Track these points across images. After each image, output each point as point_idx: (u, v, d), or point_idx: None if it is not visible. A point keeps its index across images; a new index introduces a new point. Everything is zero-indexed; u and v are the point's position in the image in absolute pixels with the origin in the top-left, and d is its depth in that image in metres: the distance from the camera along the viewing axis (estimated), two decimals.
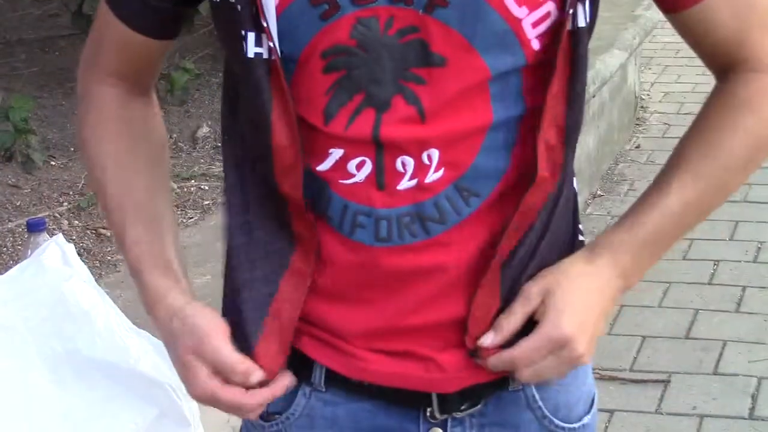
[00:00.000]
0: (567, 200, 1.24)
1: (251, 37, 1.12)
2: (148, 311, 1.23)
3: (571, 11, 1.11)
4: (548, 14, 1.12)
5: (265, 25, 1.10)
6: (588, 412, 1.31)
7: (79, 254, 2.04)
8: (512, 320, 1.18)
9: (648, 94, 5.77)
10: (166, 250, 1.24)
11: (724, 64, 1.22)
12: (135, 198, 1.26)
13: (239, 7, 1.12)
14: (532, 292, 1.18)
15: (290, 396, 1.27)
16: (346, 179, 1.16)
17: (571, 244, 1.24)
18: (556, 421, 1.27)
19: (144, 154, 1.28)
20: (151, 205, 1.27)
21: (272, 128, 1.14)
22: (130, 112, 1.29)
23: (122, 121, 1.28)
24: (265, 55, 1.12)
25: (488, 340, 1.18)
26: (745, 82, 1.20)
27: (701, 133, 1.21)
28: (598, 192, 4.73)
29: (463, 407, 1.24)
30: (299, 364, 1.23)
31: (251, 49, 1.12)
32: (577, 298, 1.17)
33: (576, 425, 1.29)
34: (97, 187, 1.28)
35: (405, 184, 1.15)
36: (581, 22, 1.12)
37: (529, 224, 1.17)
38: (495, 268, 1.17)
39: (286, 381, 1.20)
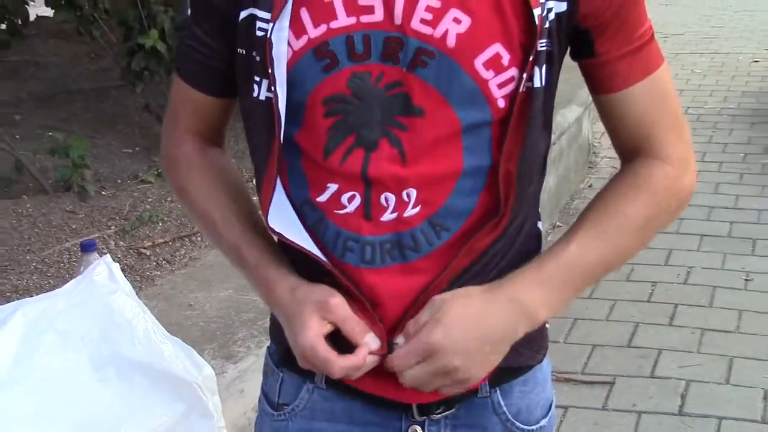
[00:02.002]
0: (529, 238, 1.22)
1: (265, 83, 1.12)
2: (267, 297, 1.19)
3: (528, 74, 1.10)
4: (512, 78, 1.11)
5: (270, 71, 1.10)
6: (545, 416, 1.30)
7: (122, 270, 2.02)
8: (417, 327, 1.12)
9: (599, 142, 5.78)
10: (272, 246, 1.21)
11: (633, 149, 1.21)
12: (237, 215, 1.23)
13: (258, 58, 1.12)
14: (437, 303, 1.13)
15: (296, 391, 1.27)
16: (340, 210, 1.15)
17: None
18: (517, 424, 1.26)
19: (229, 182, 1.27)
20: (249, 215, 1.24)
21: (267, 162, 1.14)
22: (209, 159, 1.28)
23: (205, 166, 1.27)
24: (273, 99, 1.12)
25: (401, 341, 1.14)
26: (647, 166, 1.19)
27: (605, 200, 1.19)
28: (557, 223, 4.74)
29: (438, 411, 1.23)
30: None
31: (263, 93, 1.13)
32: (461, 315, 1.11)
33: (534, 427, 1.28)
34: (203, 221, 1.26)
35: (387, 216, 1.14)
36: (537, 83, 1.11)
37: (472, 261, 1.15)
38: (435, 290, 1.14)
39: (365, 350, 1.13)
